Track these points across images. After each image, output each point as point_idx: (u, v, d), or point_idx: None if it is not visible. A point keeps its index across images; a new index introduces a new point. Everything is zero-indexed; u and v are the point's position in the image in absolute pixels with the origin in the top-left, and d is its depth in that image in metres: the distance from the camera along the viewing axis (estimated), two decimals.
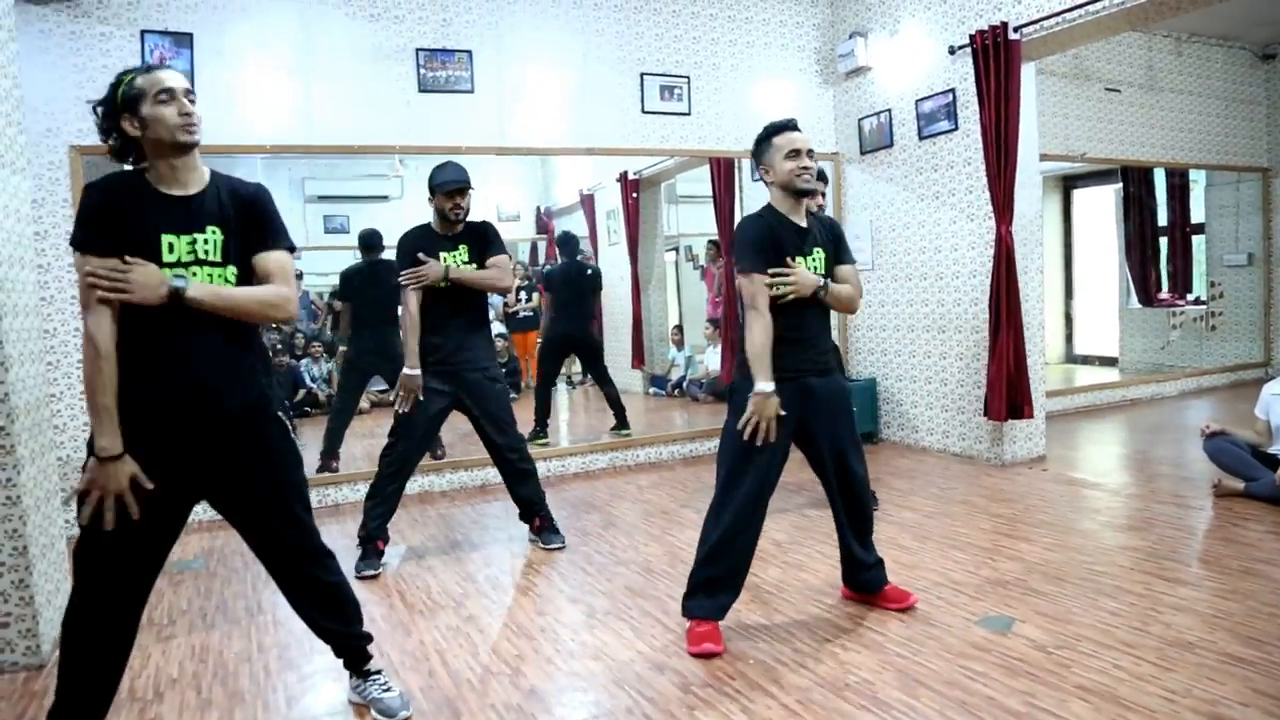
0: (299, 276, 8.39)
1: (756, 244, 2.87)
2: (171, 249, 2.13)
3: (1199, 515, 4.15)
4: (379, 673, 2.61)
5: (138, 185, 2.18)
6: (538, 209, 9.49)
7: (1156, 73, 7.65)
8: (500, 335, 8.25)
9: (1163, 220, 8.91)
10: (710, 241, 8.40)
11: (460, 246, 3.96)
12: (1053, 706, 2.40)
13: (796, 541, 4.04)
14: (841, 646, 2.87)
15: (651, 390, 8.62)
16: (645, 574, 3.69)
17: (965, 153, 5.47)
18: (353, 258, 9.15)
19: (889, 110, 6.02)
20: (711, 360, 8.16)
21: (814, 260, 2.96)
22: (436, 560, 4.04)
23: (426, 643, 3.10)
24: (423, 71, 5.34)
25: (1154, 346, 8.76)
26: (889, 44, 5.98)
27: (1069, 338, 9.97)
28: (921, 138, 5.79)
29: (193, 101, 2.21)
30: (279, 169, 7.80)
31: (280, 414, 2.33)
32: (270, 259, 2.26)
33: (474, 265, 3.95)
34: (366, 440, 6.39)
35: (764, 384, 2.78)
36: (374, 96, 5.26)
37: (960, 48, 5.36)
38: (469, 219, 4.01)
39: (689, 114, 6.02)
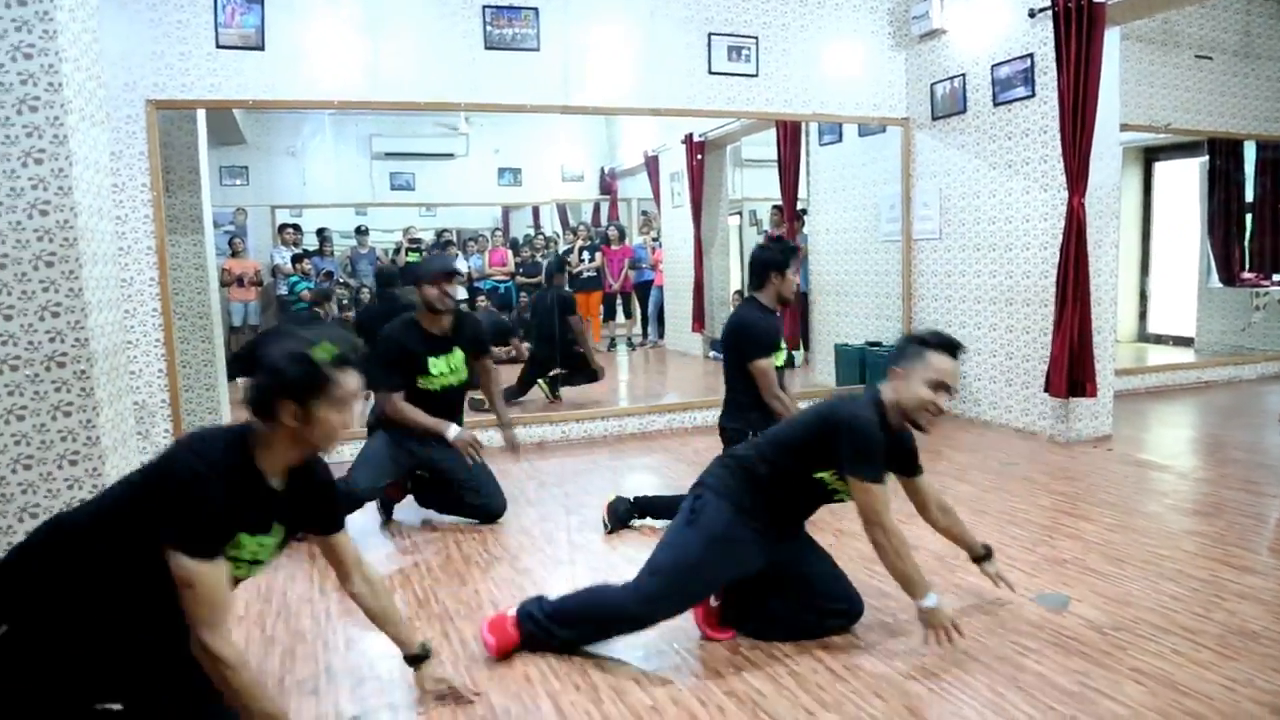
0: (363, 232, 8.51)
1: (879, 448, 2.53)
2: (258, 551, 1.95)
3: (1272, 503, 4.02)
4: None
5: (249, 473, 1.88)
6: (601, 170, 9.48)
7: (1253, 39, 7.29)
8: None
9: (1250, 196, 8.55)
10: (774, 206, 8.31)
11: (454, 349, 3.81)
12: (1106, 688, 2.36)
13: (849, 510, 4.00)
14: (891, 616, 2.86)
15: (711, 354, 8.60)
16: None
17: (1041, 121, 5.30)
18: (417, 216, 9.28)
19: (963, 75, 5.86)
20: None
21: None
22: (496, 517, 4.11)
23: (481, 592, 3.17)
24: (489, 28, 5.34)
25: (1234, 328, 8.45)
26: (966, 6, 5.80)
27: (1143, 316, 9.66)
28: (996, 104, 5.62)
29: None
30: (347, 125, 7.90)
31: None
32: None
33: (467, 370, 3.86)
34: None
35: (928, 598, 2.50)
36: (440, 53, 5.27)
37: (1041, 11, 5.17)
38: (457, 310, 3.87)
39: (756, 75, 5.93)
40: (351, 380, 1.87)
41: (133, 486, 1.83)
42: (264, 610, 3.05)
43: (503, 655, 2.60)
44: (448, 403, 3.85)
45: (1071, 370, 5.06)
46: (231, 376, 5.70)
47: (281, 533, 1.97)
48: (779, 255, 3.62)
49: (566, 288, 7.24)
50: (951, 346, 2.53)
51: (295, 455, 1.92)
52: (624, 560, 3.47)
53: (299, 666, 2.63)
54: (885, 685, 2.41)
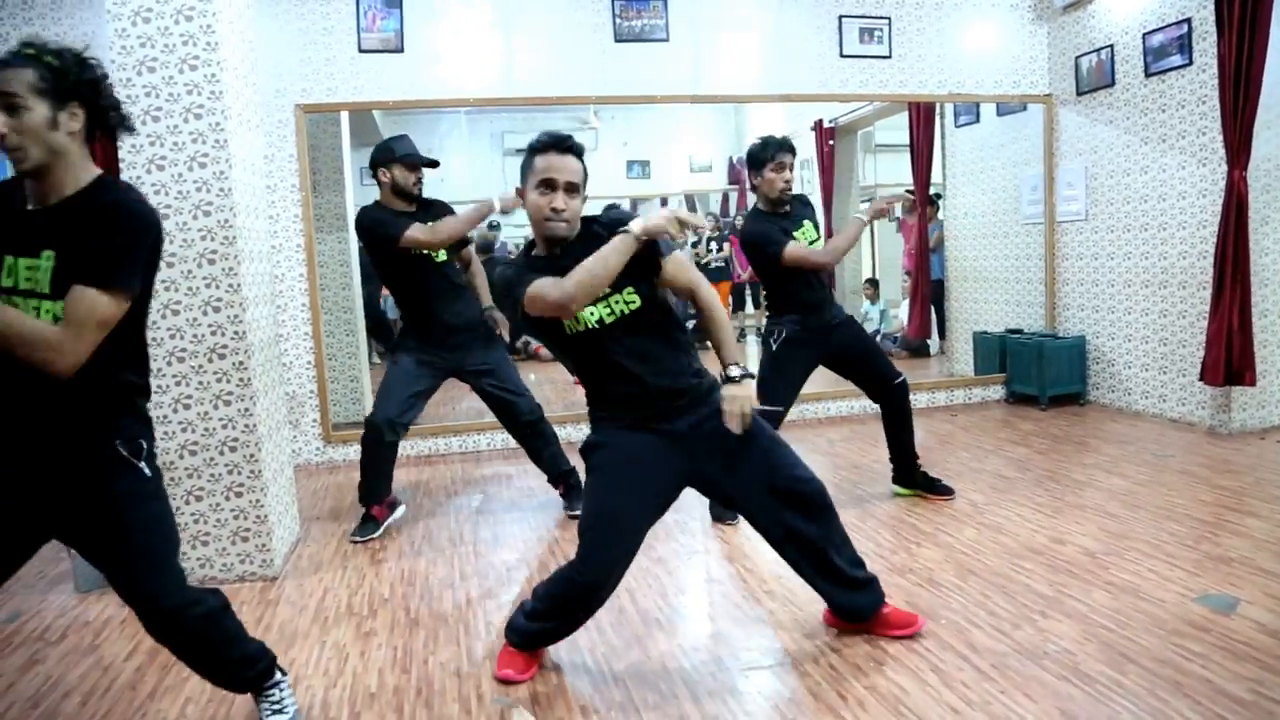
0: (495, 228, 8.71)
1: (508, 283, 2.37)
2: (10, 272, 1.81)
3: None
4: (274, 687, 2.25)
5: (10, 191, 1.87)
6: (730, 159, 9.41)
7: None
8: None
9: None
10: (907, 190, 8.07)
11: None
12: None
13: (994, 503, 3.87)
14: (1041, 613, 2.73)
15: None
16: None
17: (1200, 90, 4.95)
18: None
19: (1111, 46, 5.53)
20: (905, 314, 7.90)
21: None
22: None
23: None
24: (618, 21, 5.37)
25: None
26: None
27: None
28: (1148, 75, 5.29)
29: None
30: (480, 123, 8.10)
31: (133, 455, 1.95)
32: (74, 294, 1.76)
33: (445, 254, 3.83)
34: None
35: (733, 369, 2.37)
36: (571, 48, 5.34)
37: None
38: (422, 196, 3.85)
39: (889, 57, 5.76)
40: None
41: None
42: (407, 593, 3.17)
43: (524, 675, 2.49)
44: (442, 277, 3.79)
45: (1229, 357, 4.72)
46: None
47: (52, 259, 1.79)
48: (757, 151, 3.65)
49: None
50: (544, 143, 2.33)
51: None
52: (758, 550, 3.44)
53: (441, 649, 2.71)
54: (1035, 685, 2.31)
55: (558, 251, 2.35)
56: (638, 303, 2.33)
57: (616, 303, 2.31)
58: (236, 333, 3.22)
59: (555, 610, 2.47)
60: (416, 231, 3.62)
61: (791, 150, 3.65)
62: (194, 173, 3.15)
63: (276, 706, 2.24)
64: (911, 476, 3.99)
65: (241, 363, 3.24)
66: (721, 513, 3.79)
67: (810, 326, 3.75)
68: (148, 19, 3.08)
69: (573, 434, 5.53)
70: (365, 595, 3.17)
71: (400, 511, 4.00)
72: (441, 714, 2.34)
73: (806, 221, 3.76)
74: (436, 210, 3.83)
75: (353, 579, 3.34)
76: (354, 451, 5.26)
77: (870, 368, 3.84)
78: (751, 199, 3.86)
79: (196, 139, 3.14)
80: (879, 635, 2.60)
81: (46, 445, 1.89)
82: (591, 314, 2.29)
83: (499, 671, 2.50)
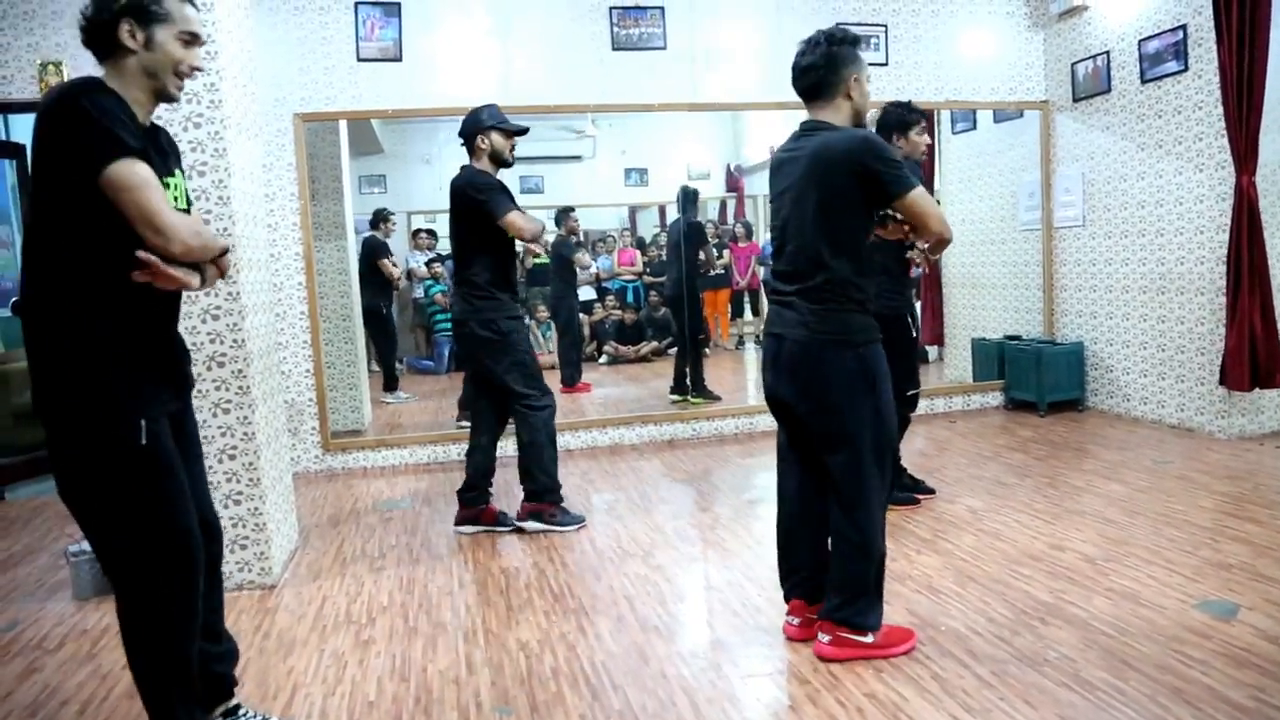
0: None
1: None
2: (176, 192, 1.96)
3: None
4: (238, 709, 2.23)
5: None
6: (728, 166, 9.43)
7: None
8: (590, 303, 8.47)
9: None
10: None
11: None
12: None
13: (992, 509, 3.87)
14: (1041, 620, 2.73)
15: None
16: None
17: (1196, 96, 4.96)
18: (547, 216, 9.47)
19: (1107, 52, 5.55)
20: None
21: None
22: (626, 510, 4.14)
23: (615, 588, 3.19)
24: (616, 29, 5.39)
25: None
26: None
27: None
28: (1144, 81, 5.31)
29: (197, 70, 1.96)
30: None
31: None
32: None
33: None
34: None
35: None
36: (569, 56, 5.36)
37: None
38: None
39: (886, 64, 5.78)
40: (194, 12, 1.93)
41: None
42: (406, 601, 3.17)
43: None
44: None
45: (1255, 361, 4.70)
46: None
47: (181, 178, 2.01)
48: (904, 114, 3.84)
49: (699, 219, 7.13)
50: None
51: (147, 96, 1.90)
52: (756, 559, 3.44)
53: (440, 657, 2.71)
54: (1036, 692, 2.30)
55: None
56: None
57: None
58: (235, 341, 3.22)
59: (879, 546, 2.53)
60: (517, 218, 3.72)
61: None
62: (193, 181, 3.15)
63: None
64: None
65: (240, 371, 3.23)
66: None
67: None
68: None
69: (570, 442, 5.53)
70: (364, 603, 3.17)
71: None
72: None
73: None
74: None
75: (351, 587, 3.33)
76: (351, 459, 5.26)
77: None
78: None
79: (196, 147, 3.15)
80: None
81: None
82: None
83: (901, 648, 2.55)
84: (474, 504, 3.91)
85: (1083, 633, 2.63)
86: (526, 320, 3.87)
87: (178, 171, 2.00)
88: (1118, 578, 3.03)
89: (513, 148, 3.85)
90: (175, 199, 1.92)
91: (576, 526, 3.86)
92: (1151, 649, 2.50)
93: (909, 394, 3.86)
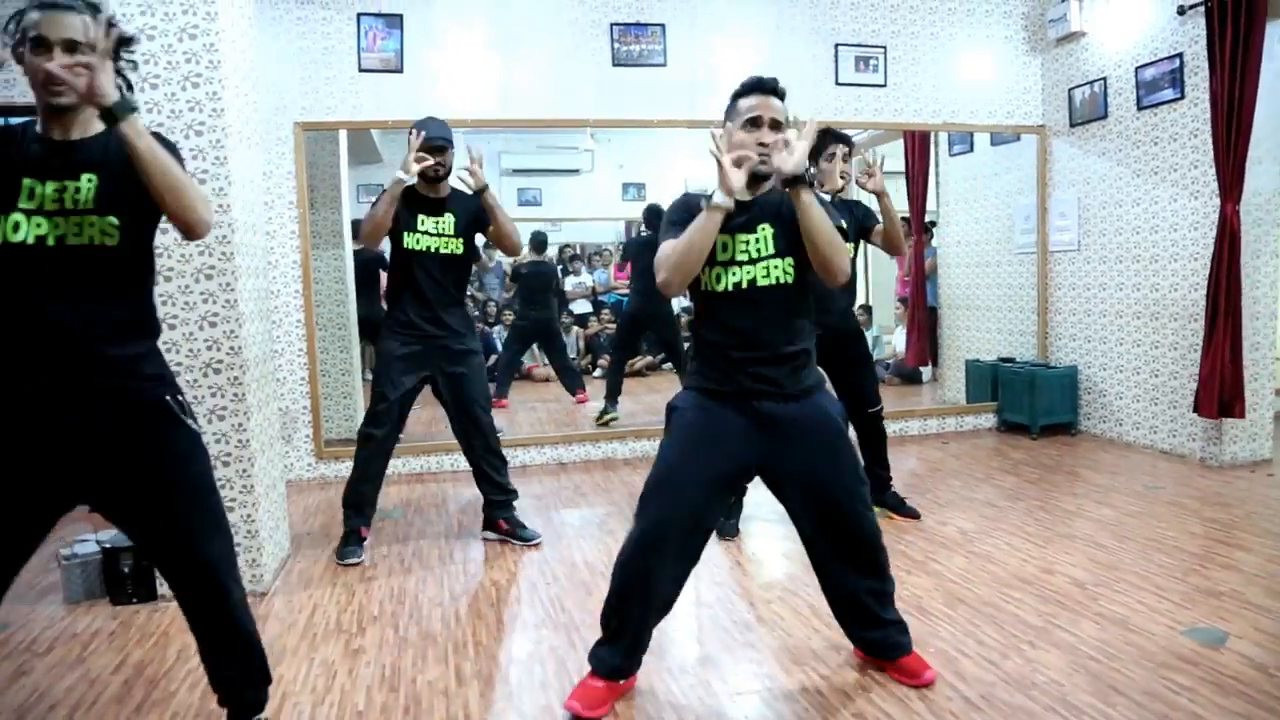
0: (489, 248, 8.78)
1: (680, 211, 2.40)
2: (33, 194, 1.82)
3: None
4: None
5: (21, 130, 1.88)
6: None
7: None
8: (685, 310, 8.30)
9: None
10: (902, 219, 8.12)
11: (445, 215, 3.68)
12: None
13: (984, 531, 3.88)
14: (1029, 644, 2.74)
15: None
16: None
17: (1192, 124, 5.01)
18: (550, 229, 9.57)
19: (1104, 79, 5.60)
20: (899, 341, 7.93)
21: (758, 240, 2.35)
22: (618, 525, 4.14)
23: None
24: (616, 46, 5.42)
25: None
26: (1107, 6, 5.55)
27: None
28: (1140, 108, 5.36)
29: (79, 51, 1.79)
30: (478, 143, 8.15)
31: (176, 399, 1.99)
32: (180, 170, 1.88)
33: (460, 240, 3.71)
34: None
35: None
36: (569, 71, 5.39)
37: (1191, 7, 4.90)
38: (459, 190, 3.75)
39: (884, 85, 5.83)
40: (44, 15, 1.80)
41: None
42: (397, 611, 3.16)
43: (594, 710, 2.37)
44: (445, 271, 3.72)
45: (1221, 389, 4.75)
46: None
47: (94, 180, 1.85)
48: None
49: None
50: (747, 86, 2.40)
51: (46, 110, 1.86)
52: (745, 575, 3.44)
53: (430, 668, 2.70)
54: (1023, 716, 2.31)
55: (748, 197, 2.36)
56: (789, 277, 2.34)
57: (773, 267, 2.33)
58: (232, 348, 3.23)
59: (622, 586, 2.41)
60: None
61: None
62: None
63: None
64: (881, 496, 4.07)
65: (236, 378, 3.24)
66: (727, 528, 3.89)
67: None
68: (152, 36, 3.11)
69: (563, 454, 5.54)
70: (354, 612, 3.16)
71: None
72: None
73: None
74: (470, 210, 3.76)
75: (342, 596, 3.33)
76: (345, 468, 5.24)
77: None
78: None
79: (196, 155, 3.16)
80: (893, 677, 2.54)
81: (89, 400, 1.86)
82: (735, 275, 2.34)
83: (566, 702, 2.39)
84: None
85: (1071, 657, 2.64)
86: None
87: (83, 176, 1.85)
88: (1107, 602, 3.04)
89: (434, 163, 3.61)
90: (41, 204, 1.82)
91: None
92: (1139, 675, 2.51)
93: (870, 411, 3.95)
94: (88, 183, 1.84)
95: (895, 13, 5.81)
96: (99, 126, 1.87)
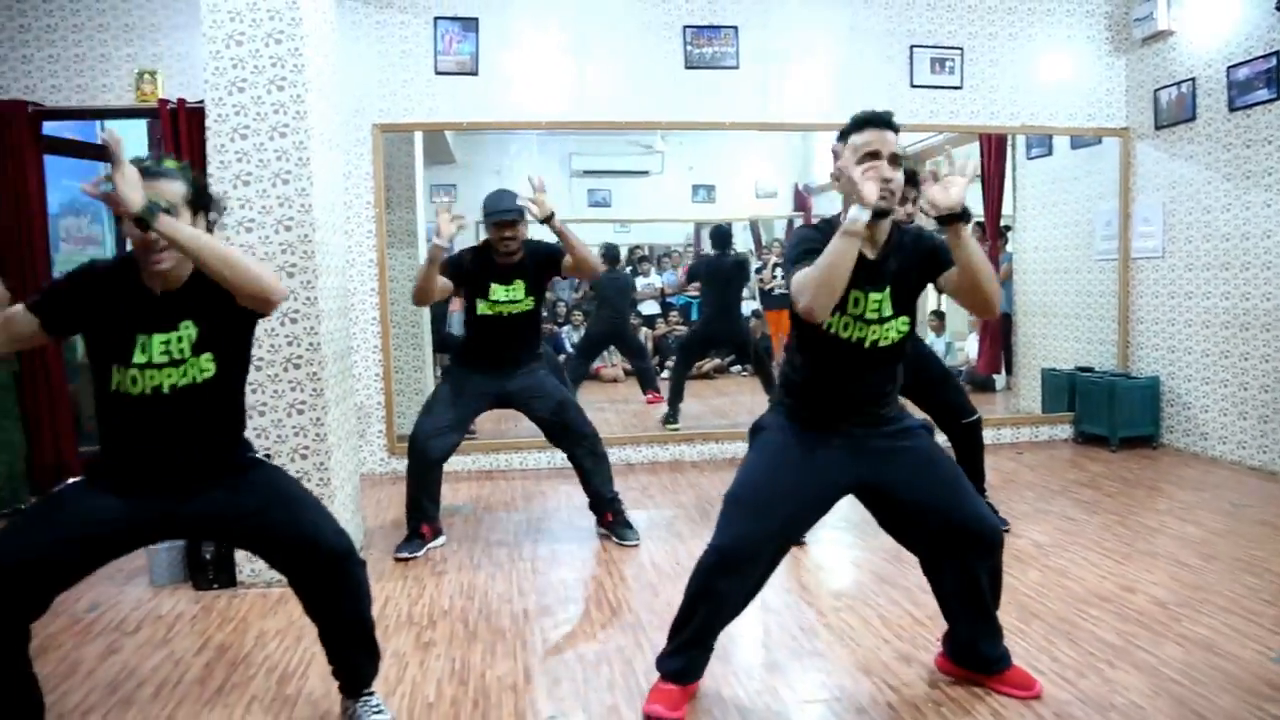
0: None
1: (805, 241, 2.31)
2: (145, 349, 2.05)
3: None
4: (372, 693, 2.38)
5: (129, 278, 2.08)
6: (796, 186, 9.39)
7: None
8: (755, 313, 8.26)
9: None
10: (977, 223, 7.96)
11: (516, 282, 3.77)
12: None
13: (1059, 545, 3.78)
14: (1108, 663, 2.66)
15: None
16: (895, 562, 3.57)
17: None
18: (612, 231, 9.56)
19: (1192, 79, 5.42)
20: (971, 348, 7.78)
21: (880, 299, 2.32)
22: (685, 527, 4.14)
23: (672, 604, 3.15)
24: (689, 48, 5.42)
25: None
26: (1197, 4, 5.36)
27: None
28: (1232, 109, 5.16)
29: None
30: (549, 144, 8.20)
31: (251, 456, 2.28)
32: (254, 262, 2.06)
33: (532, 299, 3.80)
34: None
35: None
36: (642, 74, 5.41)
37: None
38: (529, 240, 3.82)
39: (961, 87, 5.72)
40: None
41: None
42: (466, 607, 3.21)
43: (673, 712, 2.36)
44: (517, 327, 3.84)
45: None
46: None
47: (193, 329, 2.08)
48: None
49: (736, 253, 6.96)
50: (860, 120, 2.34)
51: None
52: (815, 582, 3.41)
53: (498, 663, 2.74)
54: None
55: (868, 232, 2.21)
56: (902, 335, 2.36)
57: (892, 329, 2.33)
58: (312, 344, 3.31)
59: (692, 600, 2.39)
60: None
61: None
62: (277, 189, 3.25)
63: (378, 708, 2.34)
64: None
65: (315, 374, 3.32)
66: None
67: None
68: (240, 42, 3.21)
69: (631, 455, 5.56)
70: (425, 606, 3.21)
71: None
72: None
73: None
74: (539, 262, 3.86)
75: (413, 589, 3.39)
76: None
77: None
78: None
79: (280, 156, 3.25)
80: (995, 690, 2.47)
81: (191, 469, 2.13)
82: (850, 331, 2.32)
83: (645, 706, 2.38)
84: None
85: (1153, 679, 2.55)
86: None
87: (182, 325, 2.07)
88: (1191, 624, 2.93)
89: (502, 238, 3.71)
90: (151, 357, 2.05)
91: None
92: (1226, 701, 2.42)
93: (965, 422, 3.88)
94: (185, 330, 2.08)
95: (973, 13, 5.70)
96: (188, 270, 2.06)
